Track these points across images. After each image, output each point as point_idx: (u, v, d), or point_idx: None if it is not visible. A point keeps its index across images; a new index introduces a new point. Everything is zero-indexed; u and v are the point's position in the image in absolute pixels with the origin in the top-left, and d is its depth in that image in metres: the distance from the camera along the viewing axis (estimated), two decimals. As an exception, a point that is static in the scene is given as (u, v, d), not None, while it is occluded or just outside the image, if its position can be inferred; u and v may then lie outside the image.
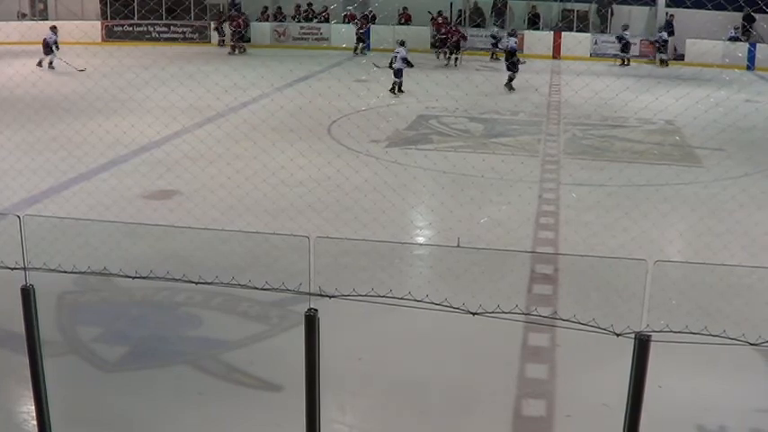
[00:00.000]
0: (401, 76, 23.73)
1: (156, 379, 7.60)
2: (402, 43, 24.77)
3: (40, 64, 27.92)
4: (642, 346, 4.69)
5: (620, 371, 4.97)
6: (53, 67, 28.10)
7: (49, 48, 28.29)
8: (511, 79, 25.58)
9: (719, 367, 7.63)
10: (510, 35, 28.04)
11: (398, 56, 23.96)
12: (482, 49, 34.73)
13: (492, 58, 33.44)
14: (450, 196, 12.73)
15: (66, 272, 5.87)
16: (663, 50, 32.90)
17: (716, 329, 5.01)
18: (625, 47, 32.86)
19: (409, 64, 23.91)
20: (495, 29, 34.30)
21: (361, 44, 34.62)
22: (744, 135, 17.80)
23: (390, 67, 24.02)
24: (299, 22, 37.22)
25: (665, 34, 33.19)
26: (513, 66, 25.87)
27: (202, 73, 25.49)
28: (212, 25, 36.68)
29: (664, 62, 32.66)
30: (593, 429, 6.87)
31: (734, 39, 32.43)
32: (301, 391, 5.22)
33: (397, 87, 23.78)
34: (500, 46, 32.01)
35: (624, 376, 4.81)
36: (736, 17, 31.21)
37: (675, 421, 6.85)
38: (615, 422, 5.00)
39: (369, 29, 35.29)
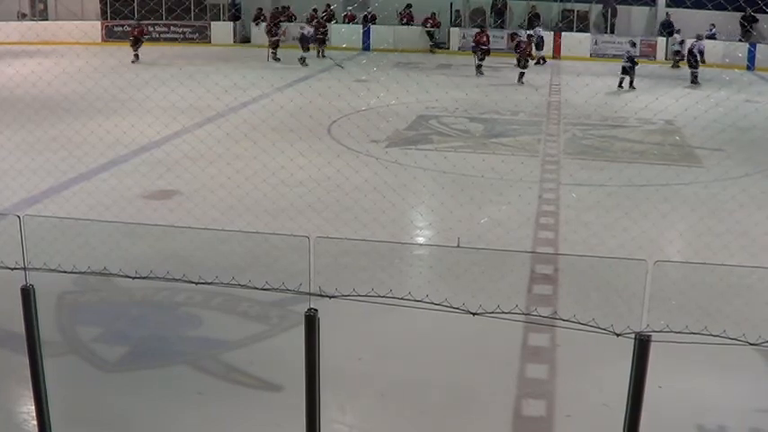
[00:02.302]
0: (627, 73, 26.28)
1: (156, 379, 7.60)
2: (633, 44, 28.42)
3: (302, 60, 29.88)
4: (642, 345, 4.69)
5: (621, 371, 4.98)
6: (306, 65, 29.86)
7: (307, 43, 30.44)
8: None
9: (720, 367, 7.63)
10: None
11: (626, 55, 26.99)
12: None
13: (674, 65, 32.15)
14: (450, 196, 12.72)
15: (66, 272, 5.87)
16: (539, 48, 32.35)
17: (716, 329, 5.01)
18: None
19: (635, 63, 26.61)
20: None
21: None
22: (744, 135, 17.81)
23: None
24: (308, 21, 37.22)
25: (539, 30, 33.05)
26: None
27: (202, 73, 25.52)
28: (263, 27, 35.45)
29: (540, 60, 32.10)
30: (594, 429, 6.87)
31: (710, 37, 32.41)
32: (301, 391, 5.22)
33: (627, 83, 26.30)
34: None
35: (624, 376, 4.81)
36: (737, 17, 31.19)
37: (675, 421, 6.85)
38: (615, 422, 5.00)
39: (369, 28, 35.38)
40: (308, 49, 30.88)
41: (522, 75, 27.73)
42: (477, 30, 30.78)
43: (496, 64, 30.56)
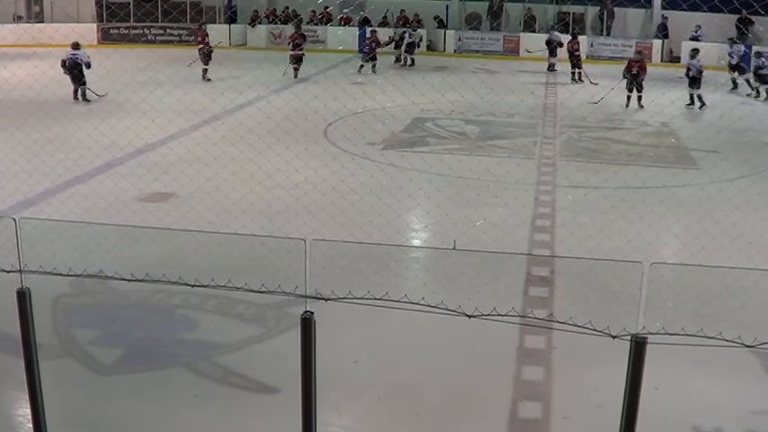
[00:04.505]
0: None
1: (152, 381, 7.60)
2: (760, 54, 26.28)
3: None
4: (638, 348, 4.70)
5: (617, 373, 4.98)
6: (555, 69, 29.78)
7: (555, 48, 29.92)
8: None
9: (716, 369, 7.63)
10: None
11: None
12: (478, 52, 34.91)
13: None
14: (446, 199, 12.73)
15: (61, 275, 5.87)
16: (409, 50, 32.17)
17: (712, 331, 5.01)
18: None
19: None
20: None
21: None
22: (739, 137, 17.82)
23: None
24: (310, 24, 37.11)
25: (410, 30, 32.96)
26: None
27: (198, 75, 25.55)
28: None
29: (407, 62, 31.94)
30: (590, 431, 6.87)
31: (694, 38, 32.42)
32: (297, 394, 5.23)
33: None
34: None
35: (621, 378, 4.81)
36: (732, 19, 31.22)
37: (672, 423, 6.86)
38: (612, 424, 5.00)
39: (365, 31, 35.39)
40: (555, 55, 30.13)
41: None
42: (570, 38, 29.57)
43: (493, 67, 30.63)
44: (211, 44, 27.22)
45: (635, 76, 23.03)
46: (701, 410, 7.17)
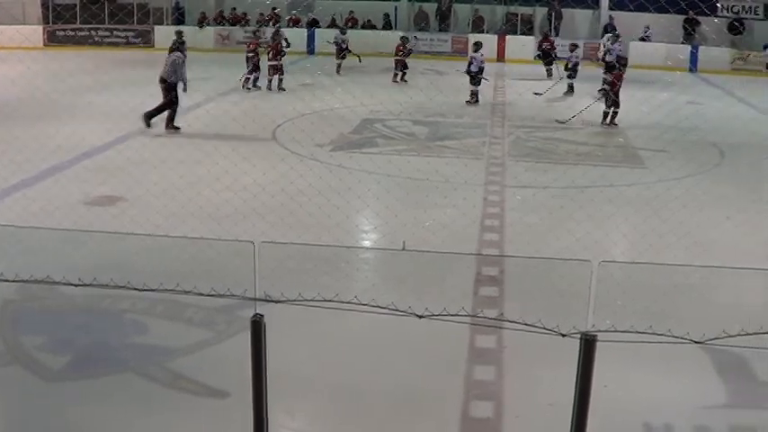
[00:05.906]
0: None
1: (101, 387, 7.51)
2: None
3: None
4: (588, 346, 4.72)
5: (568, 371, 5.00)
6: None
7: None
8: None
9: (665, 366, 7.70)
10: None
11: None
12: (426, 53, 34.95)
13: None
14: (395, 200, 12.73)
15: (8, 280, 5.79)
16: (281, 52, 31.26)
17: (661, 329, 5.06)
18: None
19: None
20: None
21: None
22: (686, 136, 18.00)
23: None
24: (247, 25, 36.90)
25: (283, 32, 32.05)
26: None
27: (145, 77, 25.30)
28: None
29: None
30: (542, 429, 6.91)
31: (643, 39, 32.80)
32: (248, 397, 5.19)
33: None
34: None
35: (571, 376, 4.83)
36: (679, 20, 31.63)
37: (622, 420, 6.91)
38: (563, 422, 5.03)
39: (314, 32, 35.36)
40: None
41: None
42: (541, 37, 30.02)
43: (441, 68, 30.74)
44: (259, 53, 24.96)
45: (611, 85, 20.60)
46: (651, 407, 7.23)
